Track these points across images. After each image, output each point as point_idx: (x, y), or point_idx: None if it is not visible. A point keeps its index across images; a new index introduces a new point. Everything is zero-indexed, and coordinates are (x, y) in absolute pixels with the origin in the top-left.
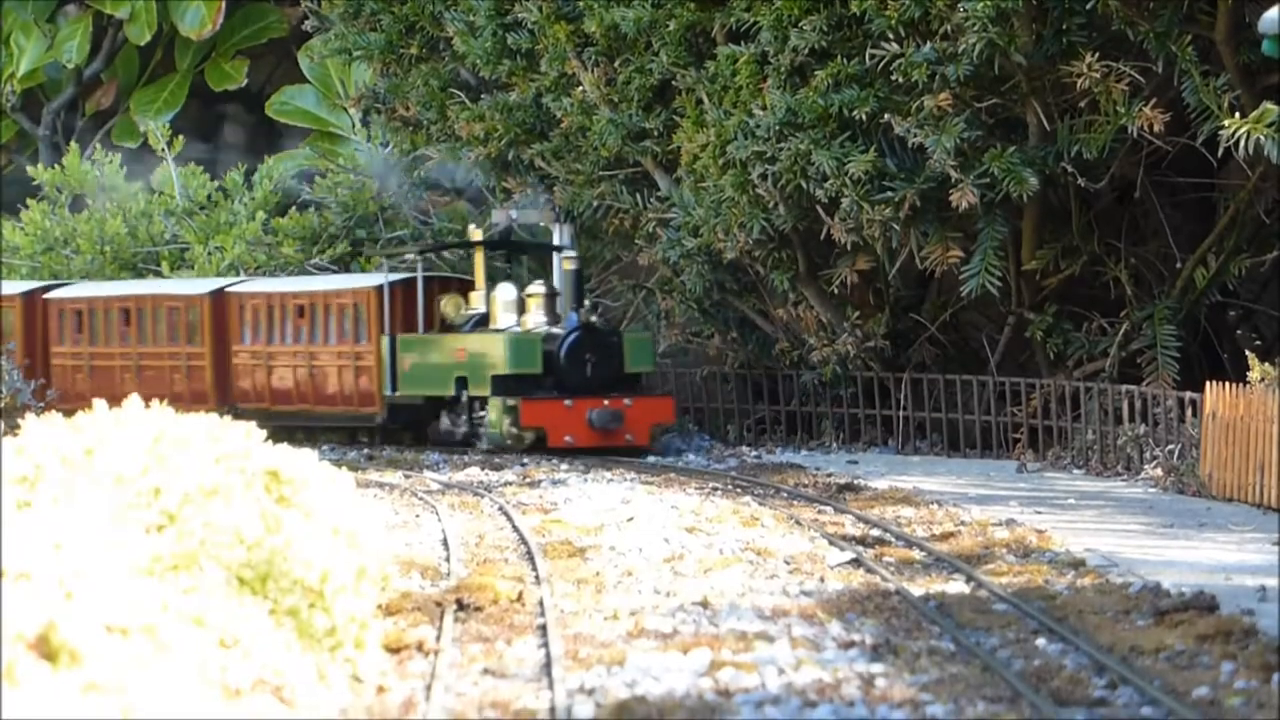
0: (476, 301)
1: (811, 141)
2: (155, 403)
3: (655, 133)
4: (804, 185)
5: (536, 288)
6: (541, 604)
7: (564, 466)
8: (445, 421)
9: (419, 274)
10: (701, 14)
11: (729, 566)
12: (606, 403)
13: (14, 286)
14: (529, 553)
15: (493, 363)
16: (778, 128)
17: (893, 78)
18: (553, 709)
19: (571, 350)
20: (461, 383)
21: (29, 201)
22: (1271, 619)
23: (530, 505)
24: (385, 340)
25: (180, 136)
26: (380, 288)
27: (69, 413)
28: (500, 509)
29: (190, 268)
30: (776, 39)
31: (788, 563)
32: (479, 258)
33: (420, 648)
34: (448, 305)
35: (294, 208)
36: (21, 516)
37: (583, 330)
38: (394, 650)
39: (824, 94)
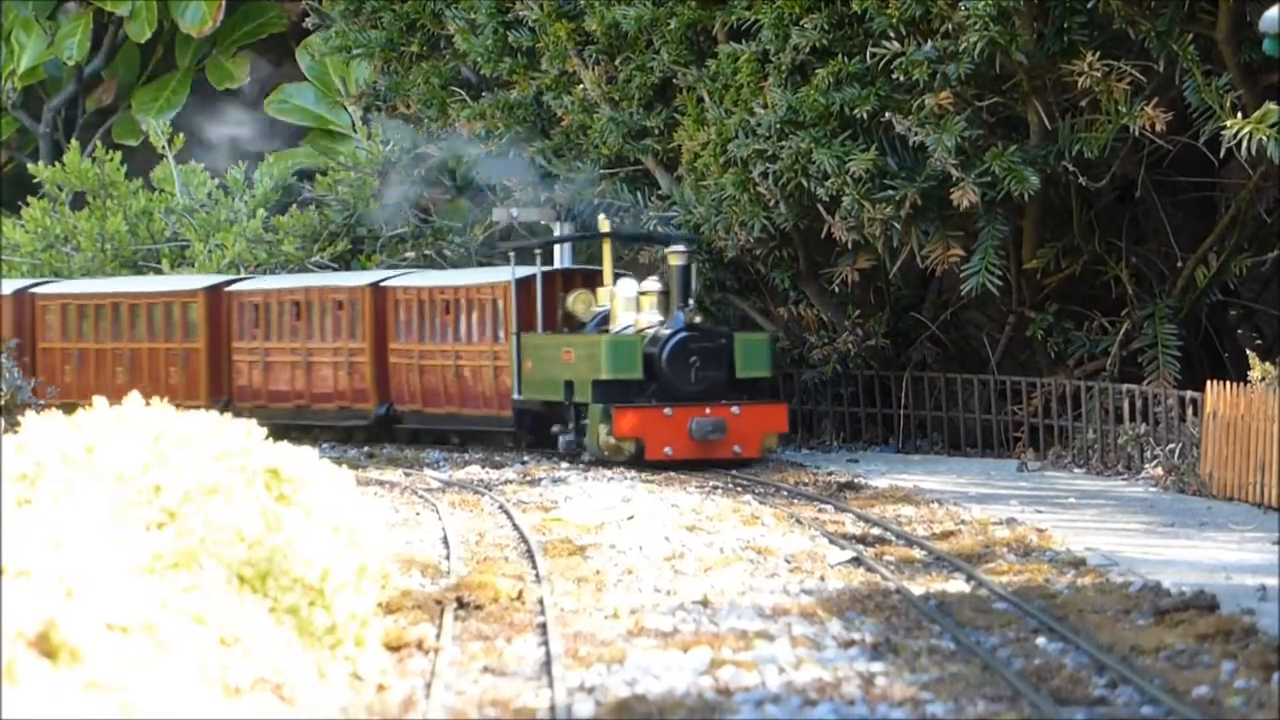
0: (605, 298)
1: (812, 140)
2: (324, 403)
3: (656, 131)
4: (805, 184)
5: (650, 284)
6: (542, 602)
7: (564, 465)
8: (558, 428)
9: (537, 268)
10: (702, 12)
11: (729, 565)
12: (709, 411)
13: (194, 280)
14: (529, 551)
15: (593, 367)
16: (779, 126)
17: (894, 76)
18: (553, 707)
19: (674, 353)
20: (570, 388)
21: (29, 199)
22: (1272, 618)
23: (530, 503)
24: (514, 339)
25: (181, 134)
26: (510, 283)
27: (248, 414)
28: (500, 507)
29: (191, 265)
30: (777, 37)
31: (788, 561)
32: (606, 250)
33: (420, 646)
34: (576, 302)
35: (294, 205)
36: (22, 514)
37: (686, 331)
38: (394, 648)
39: (825, 92)
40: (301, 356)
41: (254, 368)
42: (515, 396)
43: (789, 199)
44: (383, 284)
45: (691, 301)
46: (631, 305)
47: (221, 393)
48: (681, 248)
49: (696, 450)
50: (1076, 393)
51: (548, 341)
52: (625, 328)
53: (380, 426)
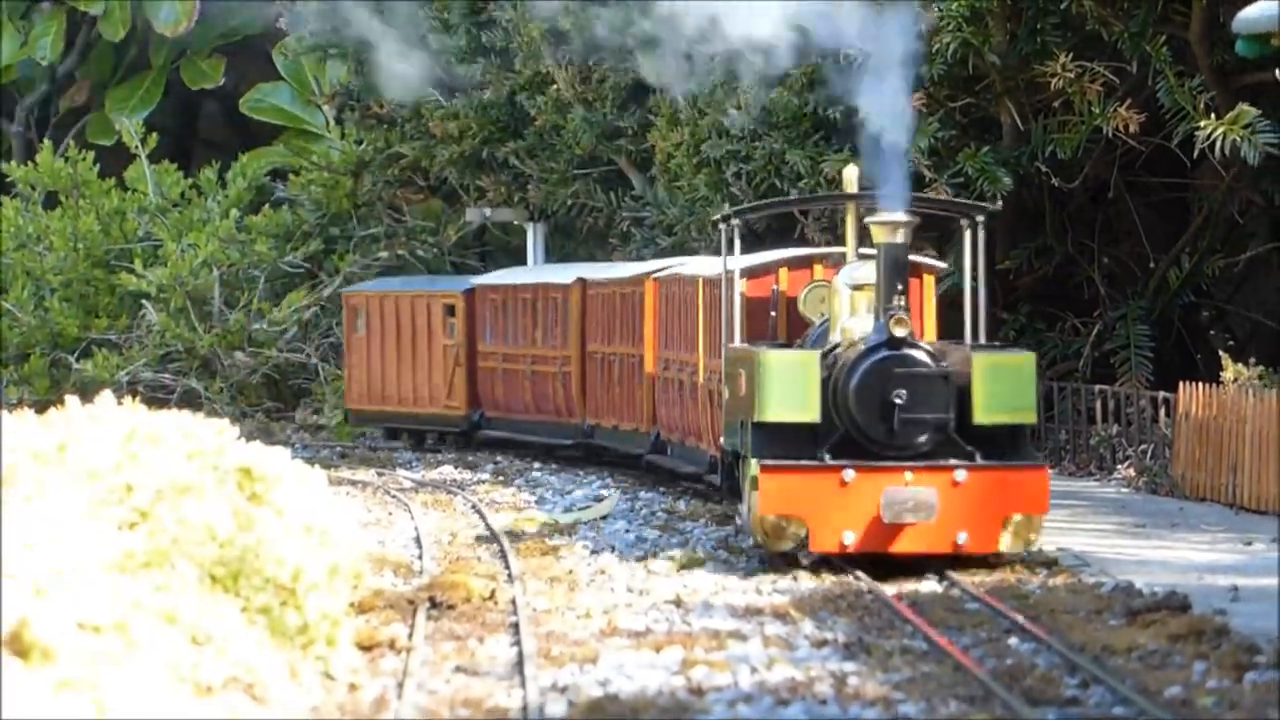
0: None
1: (785, 141)
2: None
3: (629, 131)
4: (778, 184)
5: (866, 273)
6: (514, 602)
7: (537, 465)
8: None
9: (723, 253)
10: None
11: (702, 564)
12: (910, 476)
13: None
14: (502, 551)
15: (752, 400)
16: (752, 127)
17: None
18: (525, 707)
19: (866, 382)
20: (742, 430)
21: (2, 198)
22: (1244, 619)
23: (503, 503)
24: (724, 355)
25: (154, 134)
26: (726, 274)
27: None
28: (473, 507)
29: (163, 265)
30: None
31: (762, 561)
32: (850, 222)
33: (392, 645)
34: (809, 300)
35: (267, 205)
36: None
37: (888, 350)
38: (366, 648)
39: (798, 93)
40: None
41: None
42: (722, 438)
43: (762, 199)
44: (651, 275)
45: (900, 301)
46: (849, 303)
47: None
48: (897, 215)
49: (892, 538)
50: (1049, 393)
51: (736, 358)
52: (834, 344)
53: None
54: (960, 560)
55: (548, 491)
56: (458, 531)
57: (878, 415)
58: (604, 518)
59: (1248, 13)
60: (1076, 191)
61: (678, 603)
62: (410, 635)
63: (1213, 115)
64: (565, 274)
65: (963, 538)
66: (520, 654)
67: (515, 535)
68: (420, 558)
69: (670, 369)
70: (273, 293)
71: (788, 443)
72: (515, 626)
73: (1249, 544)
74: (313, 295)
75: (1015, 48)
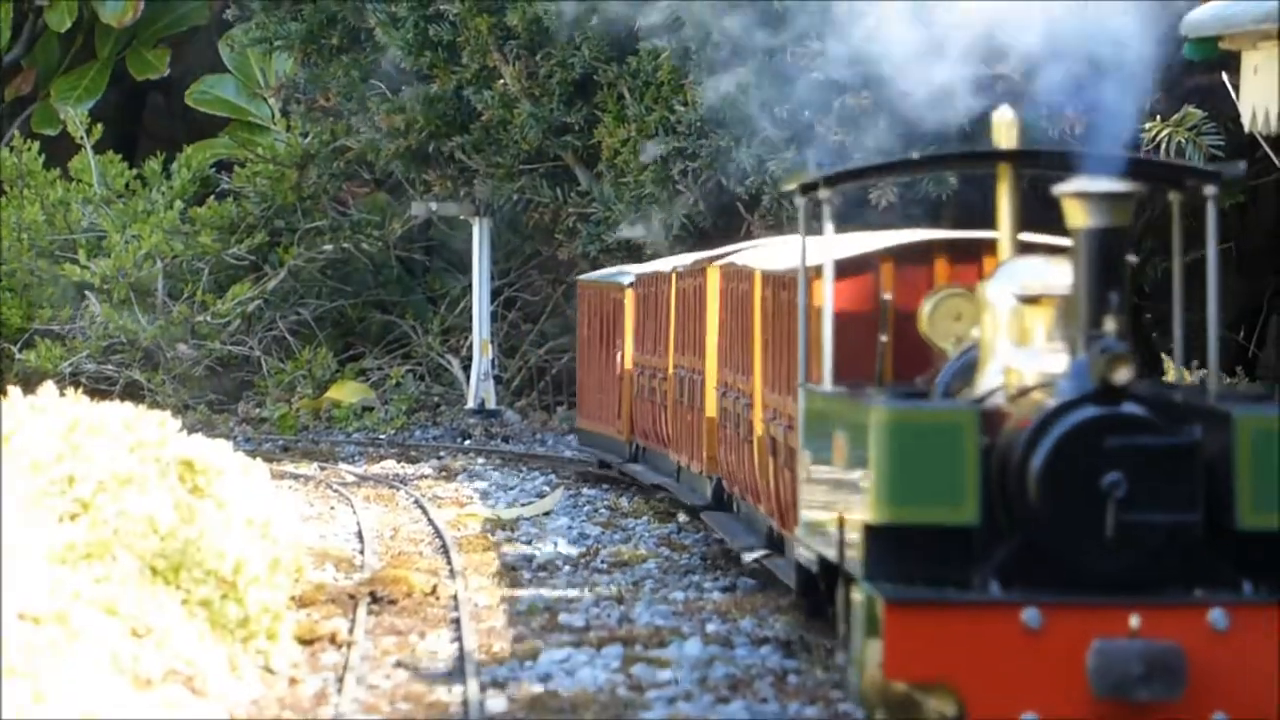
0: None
1: (732, 138)
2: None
3: (576, 127)
4: (724, 181)
5: (1047, 277)
6: (456, 597)
7: (480, 461)
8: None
9: (801, 243)
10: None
11: (644, 561)
12: (1137, 621)
13: None
14: (444, 546)
15: (862, 485)
16: (698, 124)
17: (813, 75)
18: (465, 703)
19: (1064, 460)
20: (841, 533)
21: None
22: None
23: (446, 498)
24: (801, 399)
25: (99, 125)
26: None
27: None
28: (416, 502)
29: (107, 256)
30: (699, 35)
31: (703, 559)
32: (1005, 192)
33: (333, 640)
34: (938, 314)
35: (212, 197)
36: None
37: (1098, 406)
38: (307, 642)
39: (745, 91)
40: None
41: None
42: (799, 528)
43: (708, 197)
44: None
45: (1114, 326)
46: (1014, 324)
47: None
48: (1108, 184)
49: None
50: None
51: (827, 411)
52: (990, 391)
53: None
54: None
55: (491, 487)
56: (400, 526)
57: (1081, 514)
58: (547, 514)
59: (1195, 15)
60: (1022, 191)
61: (619, 599)
62: (351, 630)
63: (1158, 117)
64: (674, 260)
65: None
66: (461, 649)
67: (458, 530)
68: (362, 552)
69: (728, 397)
70: (216, 285)
71: (925, 558)
72: (456, 622)
73: None
74: (257, 288)
75: None
